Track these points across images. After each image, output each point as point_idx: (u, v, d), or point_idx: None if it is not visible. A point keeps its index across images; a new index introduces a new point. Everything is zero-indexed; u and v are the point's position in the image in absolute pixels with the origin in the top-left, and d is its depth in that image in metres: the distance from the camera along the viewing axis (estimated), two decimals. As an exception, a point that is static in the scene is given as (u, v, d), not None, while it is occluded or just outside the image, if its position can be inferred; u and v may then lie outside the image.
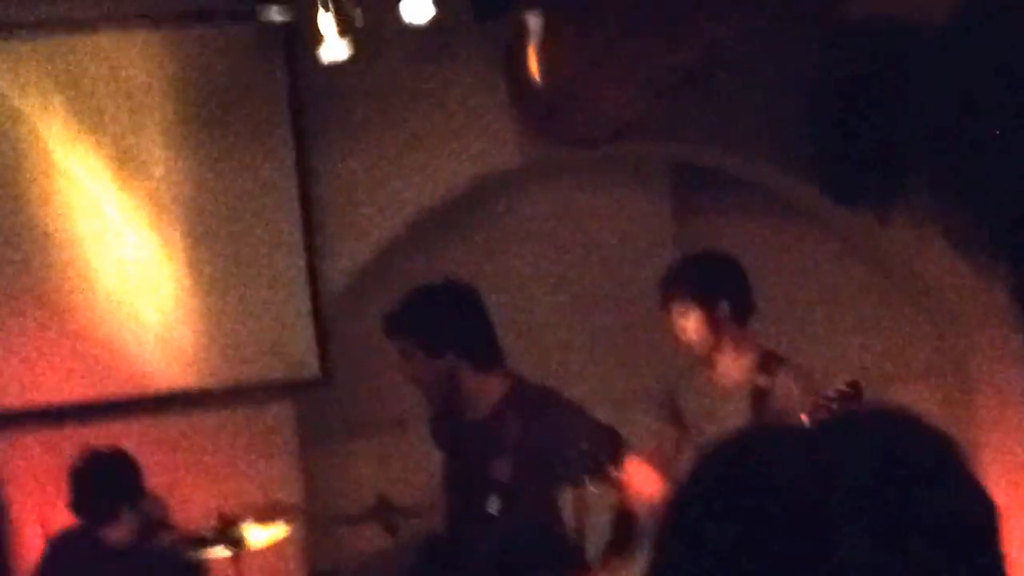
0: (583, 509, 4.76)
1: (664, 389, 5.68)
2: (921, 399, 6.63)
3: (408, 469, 6.49)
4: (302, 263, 6.46)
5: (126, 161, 6.39)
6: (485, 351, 4.76)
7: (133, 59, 6.43)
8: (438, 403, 4.91)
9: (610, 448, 4.51)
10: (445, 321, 4.73)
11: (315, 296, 6.47)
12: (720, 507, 1.23)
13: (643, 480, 4.58)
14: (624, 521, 4.60)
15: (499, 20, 5.99)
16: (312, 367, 6.44)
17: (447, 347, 4.71)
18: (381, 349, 6.72)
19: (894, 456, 1.22)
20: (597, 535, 4.81)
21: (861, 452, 1.22)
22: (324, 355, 6.46)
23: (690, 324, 5.17)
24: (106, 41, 6.42)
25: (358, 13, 5.79)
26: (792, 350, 5.37)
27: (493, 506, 4.52)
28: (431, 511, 5.62)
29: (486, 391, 4.75)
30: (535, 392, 4.77)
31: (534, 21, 5.93)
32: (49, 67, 6.36)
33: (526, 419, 4.57)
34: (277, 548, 5.73)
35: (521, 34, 6.11)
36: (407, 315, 4.80)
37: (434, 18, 5.85)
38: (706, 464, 1.30)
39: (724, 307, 5.15)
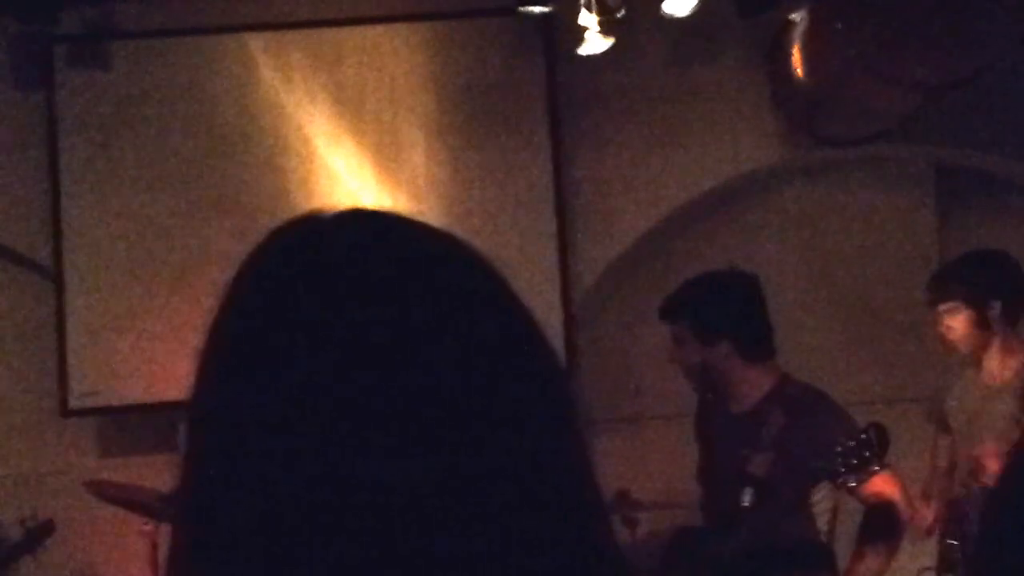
0: (837, 510, 4.75)
1: (924, 392, 5.65)
2: None
3: (650, 464, 6.56)
4: (554, 255, 6.61)
5: (385, 152, 6.65)
6: (759, 342, 4.75)
7: (396, 51, 6.69)
8: (704, 393, 4.93)
9: (875, 444, 4.50)
10: (722, 308, 4.71)
11: (565, 288, 6.61)
12: None
13: (886, 487, 4.58)
14: (880, 511, 4.57)
15: (763, 16, 6.03)
16: (558, 359, 6.52)
17: (721, 335, 4.70)
18: (626, 344, 6.86)
19: None
20: (848, 538, 4.79)
21: None
22: (571, 347, 6.56)
23: (958, 323, 5.15)
24: (370, 33, 6.70)
25: (620, 8, 5.90)
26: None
27: (747, 500, 4.53)
28: (670, 506, 5.67)
29: (754, 384, 4.74)
30: (801, 390, 4.77)
31: (799, 18, 5.94)
32: (314, 58, 6.67)
33: (790, 416, 4.57)
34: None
35: (785, 31, 6.13)
36: (684, 298, 4.79)
37: (697, 14, 5.93)
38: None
39: (996, 308, 5.10)
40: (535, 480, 1.03)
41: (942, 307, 5.18)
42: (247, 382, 1.03)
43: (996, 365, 5.19)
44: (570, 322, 6.61)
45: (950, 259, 5.46)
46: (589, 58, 6.15)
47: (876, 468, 4.51)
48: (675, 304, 4.79)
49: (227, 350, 1.06)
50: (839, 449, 4.48)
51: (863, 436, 4.51)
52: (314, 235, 1.09)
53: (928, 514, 5.28)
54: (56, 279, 6.56)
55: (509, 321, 1.09)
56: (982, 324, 5.12)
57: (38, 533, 5.91)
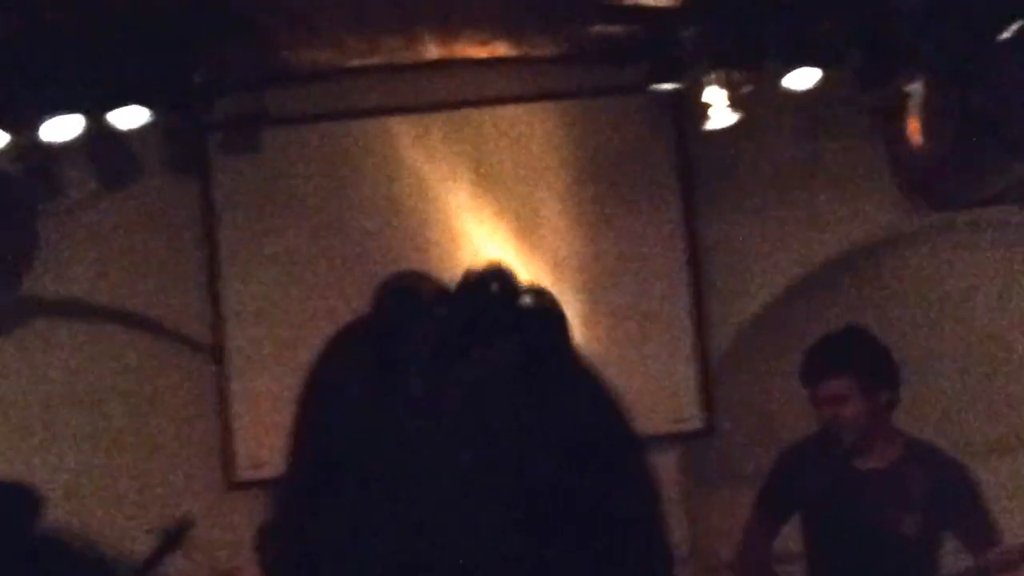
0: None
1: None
2: None
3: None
4: (689, 321, 6.99)
5: (524, 225, 7.07)
6: (897, 395, 4.88)
7: (532, 130, 7.14)
8: (838, 448, 4.91)
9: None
10: (882, 359, 4.83)
11: (701, 352, 7.00)
12: None
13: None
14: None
15: (882, 89, 6.35)
16: (696, 419, 6.91)
17: (883, 386, 4.81)
18: (760, 403, 7.15)
19: None
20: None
21: None
22: (708, 408, 6.98)
23: None
24: (508, 113, 7.16)
25: (746, 84, 6.29)
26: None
27: (901, 560, 4.75)
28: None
29: (891, 438, 4.86)
30: (928, 449, 4.96)
31: (915, 89, 6.26)
32: (455, 138, 7.13)
33: (930, 475, 4.75)
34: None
35: (901, 102, 6.45)
36: (847, 352, 4.83)
37: (817, 89, 6.30)
38: None
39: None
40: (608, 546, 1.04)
41: None
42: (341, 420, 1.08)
43: None
44: (706, 382, 6.98)
45: None
46: (717, 131, 6.55)
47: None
48: (840, 358, 4.80)
49: (323, 399, 1.12)
50: (978, 519, 4.76)
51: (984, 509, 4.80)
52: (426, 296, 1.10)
53: None
54: (217, 357, 6.97)
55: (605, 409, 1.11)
56: None
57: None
